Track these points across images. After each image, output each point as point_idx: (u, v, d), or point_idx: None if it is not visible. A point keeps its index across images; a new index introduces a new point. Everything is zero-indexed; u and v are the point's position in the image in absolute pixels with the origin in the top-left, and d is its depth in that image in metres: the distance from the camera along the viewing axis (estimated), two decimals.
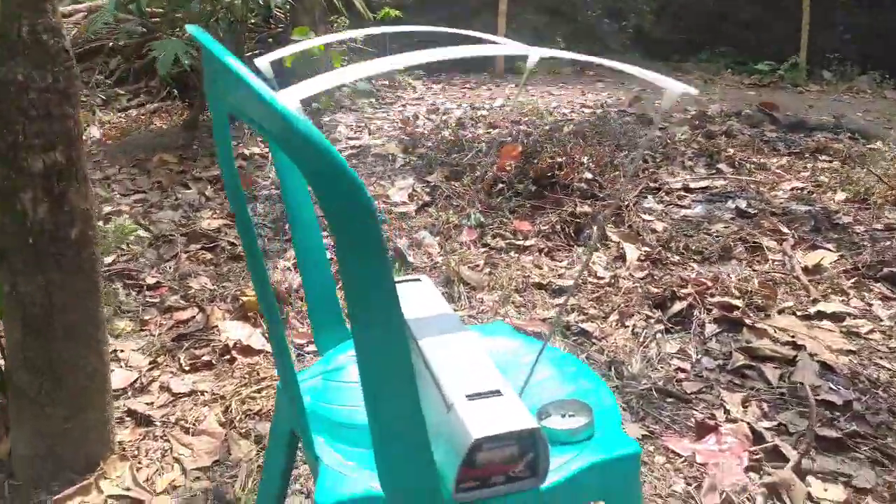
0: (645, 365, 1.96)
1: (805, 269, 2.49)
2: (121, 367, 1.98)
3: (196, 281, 2.48)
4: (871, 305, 2.26)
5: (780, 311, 2.22)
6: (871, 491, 1.49)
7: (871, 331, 2.11)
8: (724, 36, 7.78)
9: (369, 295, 0.68)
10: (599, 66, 7.05)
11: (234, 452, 1.65)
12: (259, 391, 1.86)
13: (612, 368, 1.94)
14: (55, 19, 1.35)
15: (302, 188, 1.16)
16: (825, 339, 2.06)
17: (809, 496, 1.47)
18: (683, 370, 1.95)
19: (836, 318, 2.18)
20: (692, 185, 3.31)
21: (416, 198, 3.22)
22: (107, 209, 3.15)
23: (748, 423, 1.69)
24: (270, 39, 5.32)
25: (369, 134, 4.29)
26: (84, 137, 4.39)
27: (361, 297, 0.69)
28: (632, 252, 2.63)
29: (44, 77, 1.33)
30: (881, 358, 1.98)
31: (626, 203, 3.03)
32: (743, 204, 3.06)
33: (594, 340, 2.10)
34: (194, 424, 1.75)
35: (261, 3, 3.95)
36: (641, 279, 2.46)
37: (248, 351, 2.05)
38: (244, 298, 2.29)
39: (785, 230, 2.79)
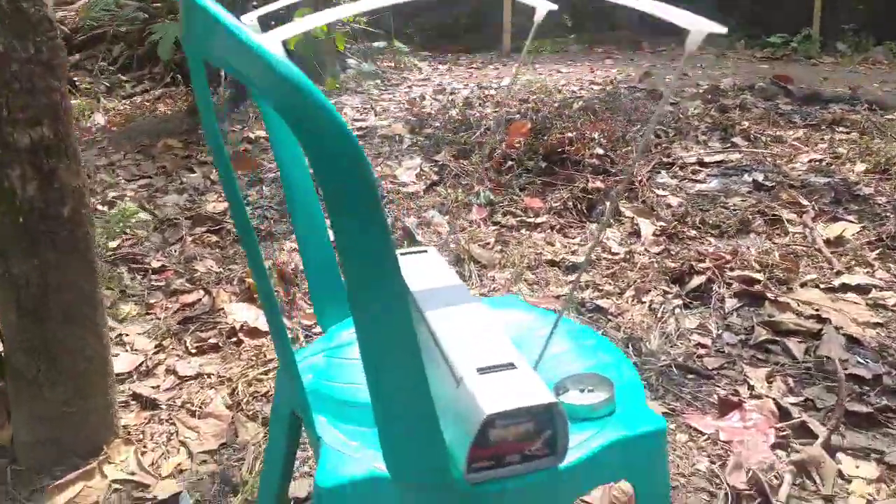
0: (664, 341, 1.89)
1: (827, 241, 2.41)
2: (126, 350, 1.95)
3: (201, 264, 2.43)
4: None
5: (803, 285, 2.14)
6: None
7: None
8: (735, 8, 7.62)
9: (361, 247, 0.62)
10: (608, 42, 6.98)
11: (240, 435, 1.61)
12: (266, 373, 1.81)
13: (630, 345, 1.87)
14: None
15: (299, 163, 1.10)
16: (850, 311, 1.98)
17: (840, 474, 1.41)
18: (704, 346, 1.88)
19: (862, 290, 2.10)
20: (707, 160, 3.22)
21: (423, 177, 3.15)
22: (112, 194, 3.10)
23: (773, 399, 1.63)
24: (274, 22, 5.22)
25: (375, 115, 4.22)
26: (89, 124, 4.37)
27: (353, 250, 0.62)
28: (647, 227, 2.55)
29: (26, 47, 1.26)
30: None
31: (640, 178, 2.95)
32: (760, 177, 2.97)
33: (610, 317, 2.03)
34: (200, 407, 1.71)
35: None
36: (657, 254, 2.38)
37: (254, 333, 2.01)
38: (250, 280, 2.24)
39: (804, 202, 2.71)
